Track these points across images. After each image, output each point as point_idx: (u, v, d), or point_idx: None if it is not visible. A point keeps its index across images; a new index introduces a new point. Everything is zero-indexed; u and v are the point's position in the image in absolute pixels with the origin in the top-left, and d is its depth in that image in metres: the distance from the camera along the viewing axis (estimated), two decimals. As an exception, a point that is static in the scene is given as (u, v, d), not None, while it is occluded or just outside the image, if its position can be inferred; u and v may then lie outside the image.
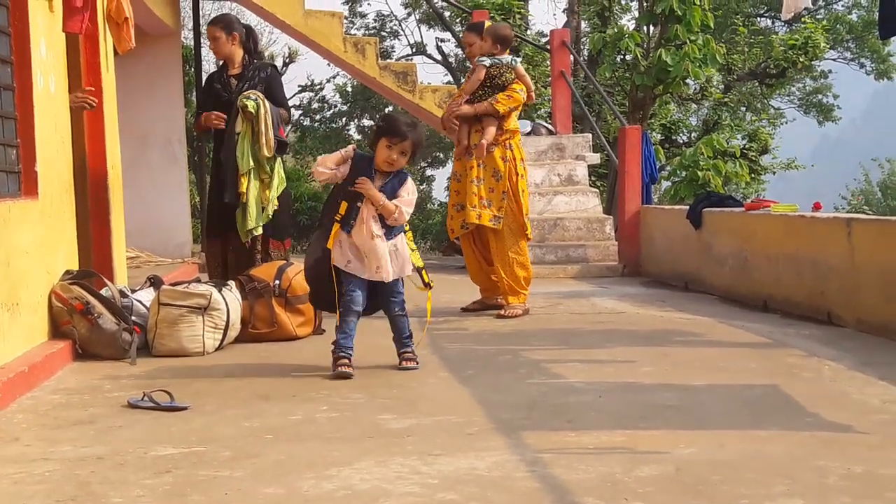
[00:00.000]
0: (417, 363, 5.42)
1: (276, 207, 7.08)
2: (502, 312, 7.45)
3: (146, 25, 11.06)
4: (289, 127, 7.69)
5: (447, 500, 3.19)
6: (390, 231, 5.31)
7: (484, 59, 7.40)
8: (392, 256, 5.31)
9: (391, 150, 5.23)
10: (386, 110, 28.22)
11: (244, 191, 6.91)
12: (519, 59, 7.49)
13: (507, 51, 7.50)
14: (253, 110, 6.87)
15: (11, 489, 3.39)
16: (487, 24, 7.89)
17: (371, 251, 5.24)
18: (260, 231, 7.02)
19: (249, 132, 6.93)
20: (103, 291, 5.97)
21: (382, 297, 5.42)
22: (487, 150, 7.30)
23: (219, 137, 7.26)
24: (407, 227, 5.43)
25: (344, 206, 5.27)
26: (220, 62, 7.47)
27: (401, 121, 5.37)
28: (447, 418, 4.30)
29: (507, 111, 7.37)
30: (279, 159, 7.15)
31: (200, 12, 13.23)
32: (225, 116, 7.04)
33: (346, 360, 5.24)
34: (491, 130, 7.34)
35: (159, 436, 4.06)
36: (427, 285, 5.44)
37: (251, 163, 6.93)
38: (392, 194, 5.27)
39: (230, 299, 6.24)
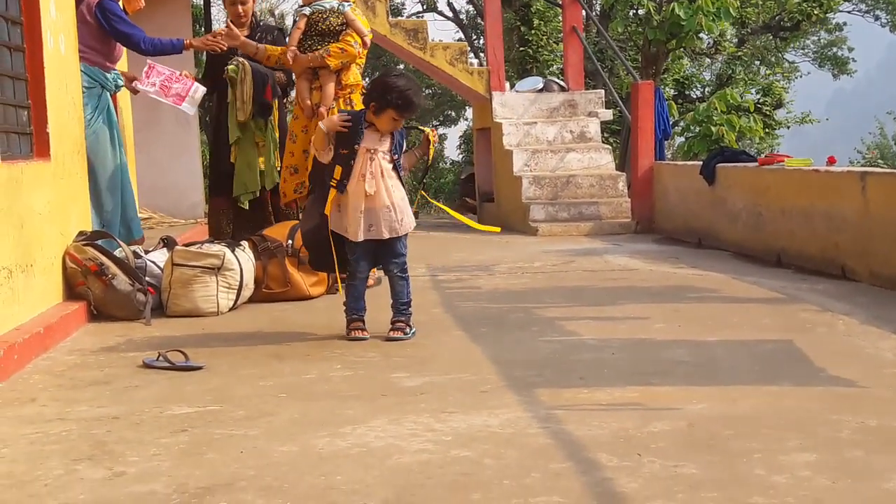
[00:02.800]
0: (406, 333, 5.17)
1: (274, 170, 7.17)
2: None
3: (155, -15, 11.02)
4: (288, 90, 7.62)
5: (461, 456, 3.20)
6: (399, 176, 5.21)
7: (304, 7, 6.87)
8: (389, 213, 5.12)
9: (398, 121, 5.12)
10: (399, 67, 28.14)
11: (234, 161, 7.03)
12: (349, 4, 6.84)
13: None
14: (234, 74, 6.89)
15: (29, 449, 3.42)
16: None
17: (373, 207, 5.08)
18: (251, 197, 7.11)
19: (234, 100, 6.99)
20: (117, 252, 5.99)
21: (384, 257, 5.25)
22: (327, 107, 6.70)
23: (219, 99, 7.27)
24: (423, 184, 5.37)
25: (339, 170, 5.09)
26: (227, 24, 7.41)
27: (412, 92, 5.14)
28: (460, 376, 4.31)
29: (338, 66, 6.76)
30: (269, 122, 7.20)
31: (210, -29, 13.18)
32: (223, 43, 7.02)
33: (360, 323, 5.20)
34: (330, 91, 6.77)
35: (174, 395, 4.09)
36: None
37: (237, 132, 7.01)
38: (399, 148, 5.22)
39: (243, 259, 6.26)
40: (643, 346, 4.87)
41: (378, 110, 5.11)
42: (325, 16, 6.77)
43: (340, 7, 6.78)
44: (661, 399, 3.85)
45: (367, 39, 6.80)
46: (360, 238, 5.12)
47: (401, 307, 5.25)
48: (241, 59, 6.96)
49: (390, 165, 5.15)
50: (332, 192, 5.11)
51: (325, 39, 6.75)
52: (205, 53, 7.36)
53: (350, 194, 5.09)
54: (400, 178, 5.21)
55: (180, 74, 7.17)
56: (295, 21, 7.12)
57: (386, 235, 5.14)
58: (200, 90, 7.17)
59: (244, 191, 7.08)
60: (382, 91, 5.12)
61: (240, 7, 7.22)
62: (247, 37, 7.11)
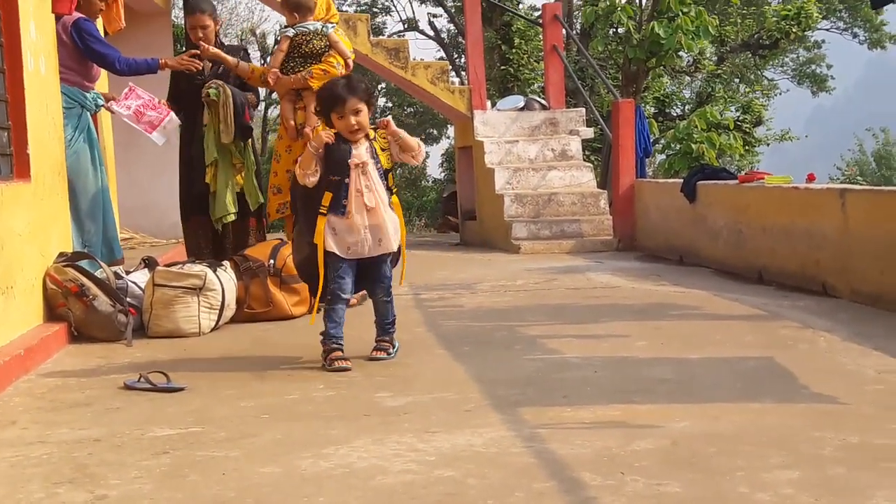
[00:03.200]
0: (389, 353, 5.11)
1: (257, 189, 7.19)
2: None
3: (136, 5, 11.02)
4: (256, 110, 7.60)
5: (444, 476, 3.20)
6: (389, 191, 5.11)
7: (288, 29, 6.86)
8: (390, 226, 5.06)
9: (344, 118, 4.97)
10: (379, 87, 28.19)
11: (210, 181, 7.01)
12: (332, 26, 6.84)
13: (312, 16, 6.83)
14: (216, 97, 6.90)
15: (9, 472, 3.39)
16: None
17: (375, 223, 4.99)
18: (232, 218, 7.08)
19: (215, 121, 6.98)
20: (98, 273, 5.96)
21: (370, 280, 5.15)
22: (312, 127, 6.64)
23: (187, 119, 7.24)
24: (394, 190, 5.18)
25: (328, 196, 4.97)
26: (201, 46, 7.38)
27: (333, 86, 5.12)
28: (444, 395, 4.31)
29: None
30: (248, 144, 7.22)
31: (191, -9, 13.17)
32: (199, 62, 7.04)
33: (340, 352, 4.99)
34: (313, 112, 6.51)
35: (156, 417, 4.07)
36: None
37: (214, 154, 7.00)
38: (375, 155, 5.07)
39: (225, 279, 6.25)
40: (626, 363, 4.88)
41: (329, 121, 5.08)
42: (308, 38, 6.76)
43: (324, 29, 6.78)
44: (644, 417, 3.85)
45: (350, 61, 6.82)
46: (374, 253, 5.04)
47: (385, 326, 5.18)
48: (220, 82, 6.96)
49: (379, 174, 5.06)
50: (322, 220, 4.97)
51: (308, 61, 6.76)
52: (169, 73, 7.33)
53: (351, 213, 4.96)
54: (387, 182, 5.11)
55: (158, 102, 7.17)
56: (277, 41, 7.12)
57: (395, 247, 5.11)
58: (174, 121, 7.17)
59: (225, 212, 7.07)
60: (318, 105, 5.20)
61: (199, 31, 7.18)
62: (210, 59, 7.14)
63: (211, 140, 7.03)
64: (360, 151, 5.03)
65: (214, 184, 7.06)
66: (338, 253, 5.02)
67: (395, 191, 5.17)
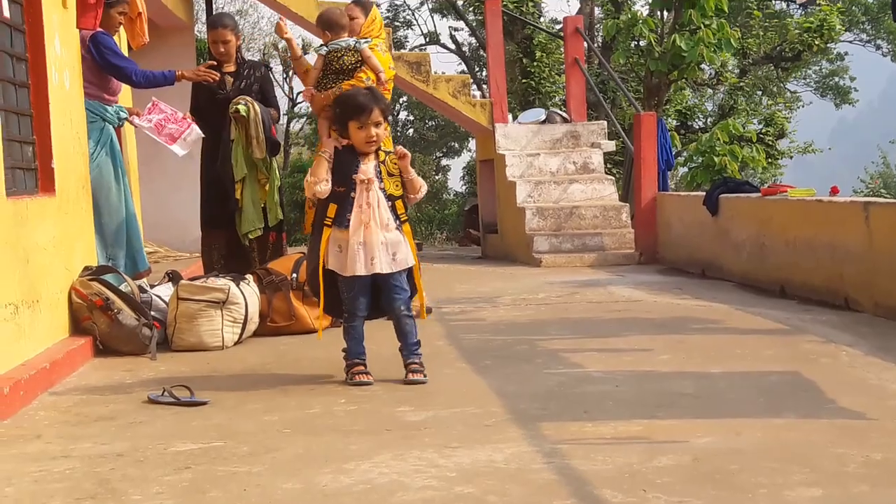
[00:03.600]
0: (426, 376, 4.94)
1: (278, 205, 7.23)
2: None
3: (160, 20, 11.09)
4: (279, 124, 7.63)
5: (465, 493, 3.19)
6: (397, 218, 5.00)
7: (322, 47, 6.85)
8: (387, 247, 4.94)
9: (365, 128, 4.93)
10: (400, 100, 28.27)
11: (239, 197, 7.04)
12: (367, 41, 6.80)
13: (346, 33, 6.78)
14: (245, 114, 6.93)
15: (32, 487, 3.41)
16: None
17: (368, 240, 4.89)
18: (259, 233, 7.11)
19: (243, 137, 7.00)
20: (122, 287, 5.99)
21: (385, 295, 5.01)
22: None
23: (209, 134, 7.26)
24: (403, 218, 5.04)
25: (333, 207, 4.95)
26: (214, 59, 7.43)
27: (357, 94, 5.10)
28: (464, 410, 4.30)
29: None
30: (274, 159, 7.26)
31: (213, 6, 13.26)
32: (217, 72, 7.09)
33: (362, 367, 4.99)
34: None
35: (179, 431, 4.08)
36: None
37: (244, 170, 7.02)
38: (380, 176, 4.98)
39: (248, 293, 6.26)
40: (648, 378, 4.86)
41: (343, 131, 5.04)
42: (339, 54, 6.70)
43: (357, 44, 6.78)
44: (666, 432, 3.83)
45: (384, 76, 6.73)
46: (362, 272, 4.91)
47: (411, 347, 5.03)
48: (248, 98, 7.00)
49: (384, 195, 4.97)
50: (327, 231, 4.95)
51: (341, 77, 6.67)
52: (190, 86, 7.37)
53: (350, 228, 4.91)
54: (395, 209, 5.00)
55: (182, 117, 7.20)
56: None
57: (385, 270, 4.93)
58: (195, 134, 7.19)
59: (252, 227, 7.09)
60: (335, 112, 5.19)
61: (221, 46, 7.24)
62: (232, 73, 7.17)
63: (240, 155, 7.04)
64: (368, 168, 4.97)
65: (241, 199, 7.08)
66: (338, 272, 4.98)
67: (404, 219, 5.03)
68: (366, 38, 6.86)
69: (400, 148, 5.11)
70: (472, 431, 3.94)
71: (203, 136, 7.27)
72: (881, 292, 6.47)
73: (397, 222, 4.99)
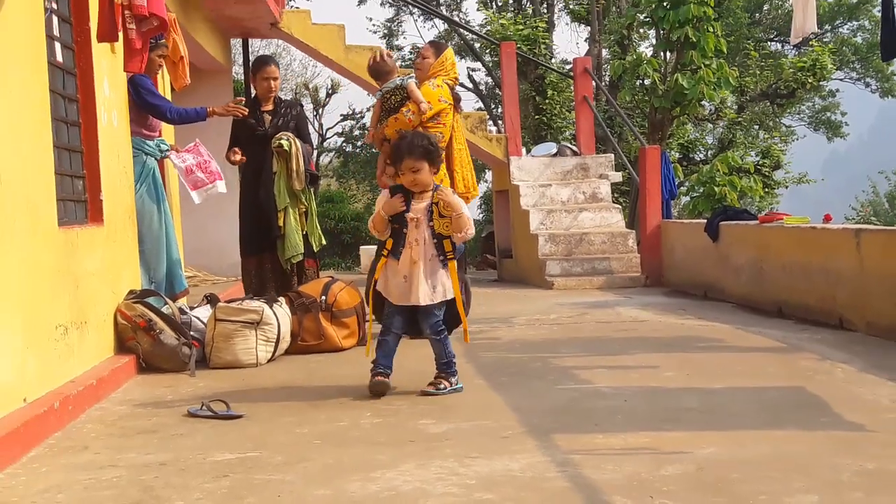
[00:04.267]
0: (437, 391, 4.99)
1: (318, 232, 7.31)
2: None
3: (200, 63, 11.17)
4: (312, 157, 7.70)
5: (484, 499, 3.18)
6: (443, 255, 5.06)
7: (378, 92, 6.97)
8: (428, 280, 5.01)
9: (404, 175, 5.04)
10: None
11: (281, 224, 7.10)
12: (411, 78, 6.91)
13: (394, 75, 6.90)
14: (287, 149, 7.00)
15: (82, 495, 3.42)
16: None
17: (413, 274, 5.00)
18: (300, 258, 7.18)
19: (284, 170, 7.07)
20: (164, 309, 6.02)
21: (420, 318, 5.11)
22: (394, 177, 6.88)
23: (246, 165, 7.34)
24: (450, 256, 5.07)
25: (390, 241, 5.06)
26: (253, 97, 7.51)
27: (399, 142, 5.20)
28: (483, 423, 4.29)
29: (393, 134, 6.64)
30: (311, 191, 7.31)
31: (249, 50, 13.35)
32: (245, 108, 7.13)
33: (381, 373, 5.03)
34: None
35: (217, 442, 4.09)
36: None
37: (287, 199, 7.10)
38: (431, 215, 5.04)
39: (281, 314, 6.28)
40: (654, 393, 4.84)
41: (395, 172, 5.21)
42: (389, 95, 6.82)
43: (402, 82, 6.85)
44: (672, 444, 3.81)
45: (424, 106, 6.73)
46: (401, 302, 5.04)
47: (442, 365, 5.10)
48: (289, 134, 7.06)
49: (432, 233, 5.02)
50: (382, 260, 5.09)
51: (392, 115, 6.76)
52: (229, 122, 7.44)
53: (400, 261, 5.02)
54: (442, 247, 5.04)
55: (213, 170, 7.29)
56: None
57: (424, 301, 5.00)
58: (218, 189, 7.33)
59: (294, 252, 7.17)
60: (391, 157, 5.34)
61: (271, 83, 7.32)
62: (270, 111, 7.23)
63: (283, 187, 7.14)
64: (420, 206, 5.05)
65: (284, 227, 7.15)
66: (384, 294, 5.11)
67: (450, 257, 5.06)
68: (410, 75, 7.01)
69: (440, 189, 5.14)
70: (490, 442, 3.93)
71: (225, 192, 7.37)
72: (873, 312, 6.43)
73: (443, 258, 5.04)
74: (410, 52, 29.90)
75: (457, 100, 7.15)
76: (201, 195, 7.30)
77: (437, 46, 7.27)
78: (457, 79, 7.24)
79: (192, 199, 7.45)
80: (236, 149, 7.25)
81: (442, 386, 5.03)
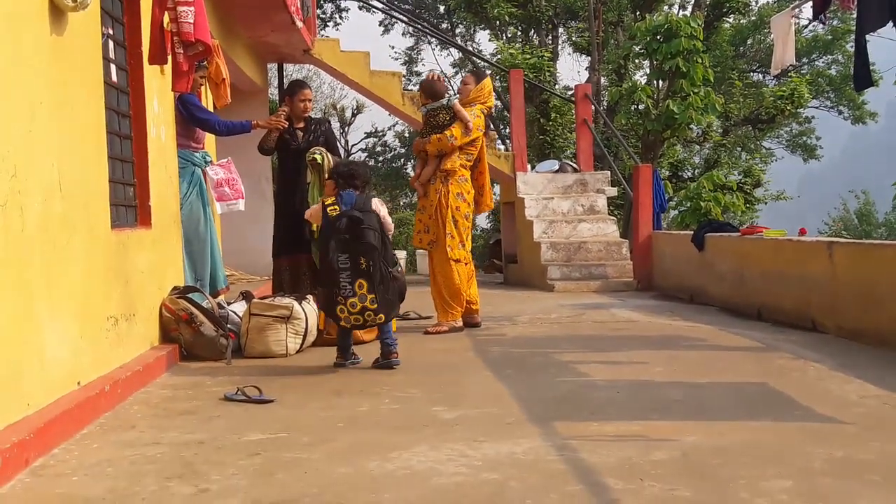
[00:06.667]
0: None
1: None
2: (428, 329, 7.06)
3: (240, 83, 11.21)
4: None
5: (490, 479, 3.18)
6: None
7: (423, 108, 7.23)
8: None
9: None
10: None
11: (314, 229, 7.11)
12: (455, 97, 7.17)
13: (443, 96, 7.15)
14: (321, 162, 7.03)
15: (129, 468, 3.43)
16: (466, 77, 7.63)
17: None
18: None
19: (317, 181, 7.08)
20: (204, 304, 6.03)
21: None
22: (426, 184, 7.19)
23: (282, 175, 7.37)
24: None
25: None
26: (286, 116, 7.51)
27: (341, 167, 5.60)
28: (489, 410, 4.29)
29: (434, 153, 7.08)
30: None
31: (284, 73, 13.40)
32: (285, 121, 7.16)
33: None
34: (427, 170, 7.17)
35: (250, 424, 4.09)
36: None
37: None
38: None
39: (309, 310, 6.28)
40: (644, 386, 4.82)
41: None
42: (436, 112, 7.10)
43: (448, 102, 7.06)
44: (660, 432, 3.80)
45: (471, 124, 7.06)
46: None
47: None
48: (322, 149, 7.10)
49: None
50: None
51: (436, 131, 7.09)
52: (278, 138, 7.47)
53: None
54: None
55: (240, 189, 7.39)
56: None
57: None
58: (240, 206, 7.44)
59: None
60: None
61: (307, 104, 7.35)
62: (302, 128, 7.28)
63: (316, 196, 7.13)
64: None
65: (317, 232, 7.16)
66: None
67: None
68: (455, 96, 7.23)
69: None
70: (496, 428, 3.92)
71: (244, 210, 7.54)
72: (843, 317, 6.40)
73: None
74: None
75: (486, 126, 7.33)
76: (223, 208, 7.36)
77: (477, 75, 7.52)
78: (491, 108, 7.38)
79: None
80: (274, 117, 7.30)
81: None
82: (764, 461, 3.32)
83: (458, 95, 7.23)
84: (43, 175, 4.02)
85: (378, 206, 5.41)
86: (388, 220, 5.48)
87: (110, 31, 5.37)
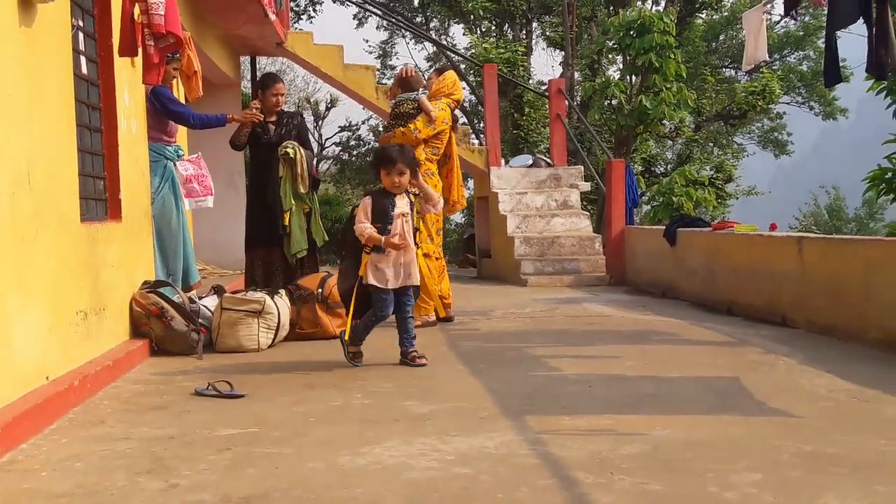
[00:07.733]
0: (423, 361, 5.35)
1: (322, 230, 7.31)
2: None
3: (212, 76, 11.13)
4: (313, 162, 7.74)
5: (462, 473, 3.18)
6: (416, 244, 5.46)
7: (393, 100, 7.37)
8: (414, 265, 5.37)
9: (391, 175, 5.29)
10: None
11: (287, 224, 7.09)
12: (424, 93, 7.23)
13: (416, 89, 7.25)
14: (293, 156, 7.01)
15: (99, 463, 3.40)
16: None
17: (408, 260, 5.30)
18: (304, 253, 7.18)
19: (289, 175, 7.06)
20: (175, 298, 5.99)
21: (398, 303, 5.38)
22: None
23: (254, 169, 7.37)
24: (420, 244, 5.54)
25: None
26: (258, 110, 7.47)
27: (389, 150, 5.41)
28: (462, 405, 4.29)
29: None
30: (313, 193, 7.31)
31: (257, 66, 13.32)
32: (260, 115, 7.15)
33: (356, 347, 5.39)
34: None
35: (221, 419, 4.07)
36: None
37: (292, 201, 7.09)
38: (412, 208, 5.42)
39: (281, 305, 6.26)
40: (616, 380, 4.85)
41: (376, 178, 5.42)
42: (402, 102, 7.20)
43: (416, 96, 7.18)
44: (631, 426, 3.82)
45: (434, 114, 7.13)
46: (399, 285, 5.31)
47: (413, 340, 5.41)
48: (294, 143, 7.06)
49: (411, 224, 5.37)
50: (366, 257, 5.28)
51: (400, 121, 7.15)
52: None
53: (391, 253, 5.27)
54: (414, 237, 5.41)
55: (209, 186, 7.39)
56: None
57: (416, 281, 5.37)
58: (208, 203, 7.46)
59: (299, 248, 7.17)
60: (371, 163, 5.59)
61: (280, 98, 7.32)
62: (274, 122, 7.24)
63: (288, 190, 7.12)
64: (402, 203, 5.34)
65: (290, 226, 7.13)
66: (377, 285, 5.29)
67: (421, 246, 5.33)
68: (424, 91, 7.29)
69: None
70: (468, 422, 3.93)
71: (212, 207, 7.55)
72: (812, 311, 6.46)
73: (416, 246, 5.46)
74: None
75: (454, 121, 7.34)
76: (191, 205, 7.34)
77: (438, 70, 7.62)
78: (459, 101, 7.40)
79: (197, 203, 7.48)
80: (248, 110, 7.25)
81: (424, 356, 5.38)
82: (734, 454, 3.35)
83: (426, 92, 7.27)
84: (12, 168, 3.97)
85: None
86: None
87: (80, 23, 5.31)
